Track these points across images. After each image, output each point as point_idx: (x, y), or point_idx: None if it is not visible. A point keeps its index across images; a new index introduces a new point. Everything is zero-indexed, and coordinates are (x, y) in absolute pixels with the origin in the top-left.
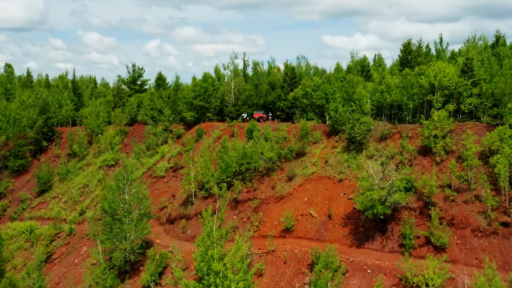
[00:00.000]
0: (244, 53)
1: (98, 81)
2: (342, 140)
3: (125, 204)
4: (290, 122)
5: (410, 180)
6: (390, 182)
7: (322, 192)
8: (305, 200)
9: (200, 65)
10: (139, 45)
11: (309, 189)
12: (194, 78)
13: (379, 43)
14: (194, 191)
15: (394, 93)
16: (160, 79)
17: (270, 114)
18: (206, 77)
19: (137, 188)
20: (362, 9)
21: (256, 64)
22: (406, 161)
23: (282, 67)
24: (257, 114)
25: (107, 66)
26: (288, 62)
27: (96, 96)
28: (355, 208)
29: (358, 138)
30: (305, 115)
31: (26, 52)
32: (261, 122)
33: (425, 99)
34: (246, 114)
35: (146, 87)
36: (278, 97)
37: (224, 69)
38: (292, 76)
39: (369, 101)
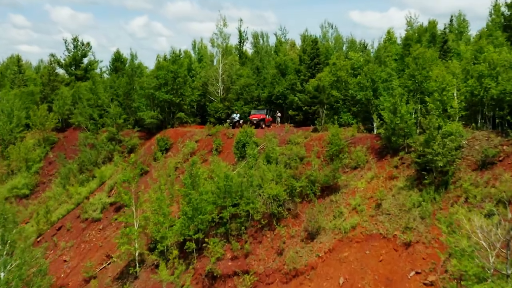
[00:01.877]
0: (240, 20)
1: (34, 64)
2: (407, 164)
3: None
4: (311, 129)
5: None
6: None
7: (373, 266)
8: (341, 282)
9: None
10: (121, 23)
11: (347, 259)
12: (158, 57)
13: (420, 19)
14: (140, 254)
15: (504, 79)
16: (118, 61)
17: (279, 115)
18: (176, 55)
19: (23, 259)
20: None
21: (257, 37)
22: None
23: (298, 43)
24: (256, 116)
25: None
26: (308, 34)
27: (19, 85)
28: None
29: (439, 164)
30: (336, 117)
31: None
32: (262, 128)
33: None
34: (238, 116)
35: (98, 71)
36: (291, 86)
37: (212, 45)
38: (314, 54)
39: (456, 94)
